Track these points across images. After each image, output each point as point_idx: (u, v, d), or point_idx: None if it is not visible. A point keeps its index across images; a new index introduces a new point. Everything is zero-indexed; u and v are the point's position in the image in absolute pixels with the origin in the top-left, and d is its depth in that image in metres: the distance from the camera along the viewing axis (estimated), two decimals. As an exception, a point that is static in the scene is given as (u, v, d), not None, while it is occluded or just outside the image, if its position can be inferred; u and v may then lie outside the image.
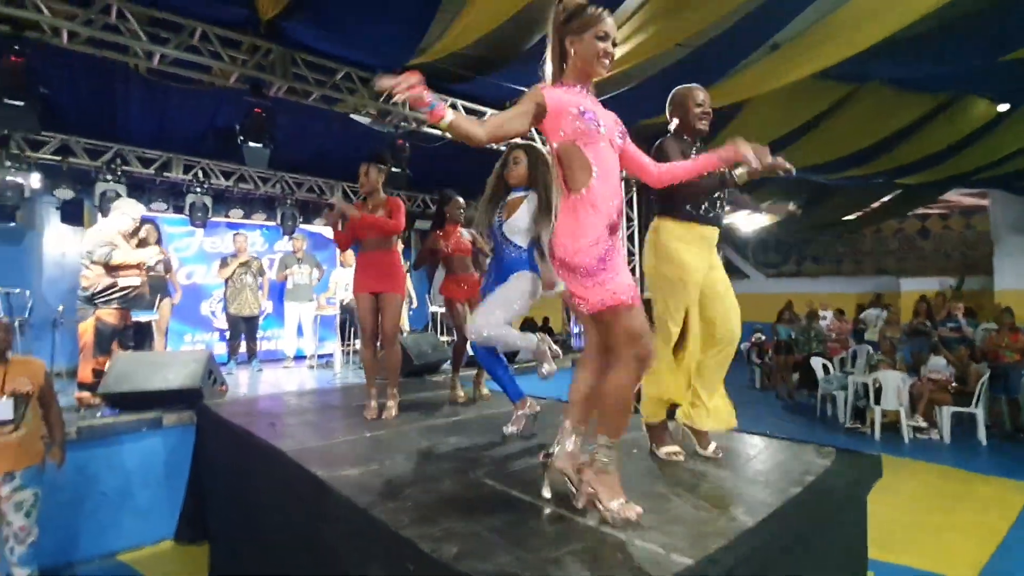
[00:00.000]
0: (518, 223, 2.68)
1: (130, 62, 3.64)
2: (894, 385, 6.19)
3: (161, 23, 3.61)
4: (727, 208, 2.35)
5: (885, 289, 12.48)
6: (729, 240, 15.62)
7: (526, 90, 1.64)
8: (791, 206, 2.52)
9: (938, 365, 6.52)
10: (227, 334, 6.42)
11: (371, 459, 2.38)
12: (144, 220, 5.68)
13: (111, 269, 4.49)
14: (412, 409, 3.34)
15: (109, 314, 4.57)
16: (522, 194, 2.72)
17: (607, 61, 1.65)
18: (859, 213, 12.23)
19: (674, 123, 2.32)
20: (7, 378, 3.05)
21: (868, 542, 2.17)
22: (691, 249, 2.14)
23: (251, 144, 4.27)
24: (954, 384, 6.29)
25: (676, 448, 2.24)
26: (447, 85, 4.94)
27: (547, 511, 1.72)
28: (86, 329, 4.53)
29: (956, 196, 11.22)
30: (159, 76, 3.95)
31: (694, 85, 2.34)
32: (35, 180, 5.55)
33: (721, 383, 2.33)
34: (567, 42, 1.65)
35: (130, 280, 4.57)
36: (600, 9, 1.64)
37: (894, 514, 4.16)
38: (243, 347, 6.24)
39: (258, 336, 6.50)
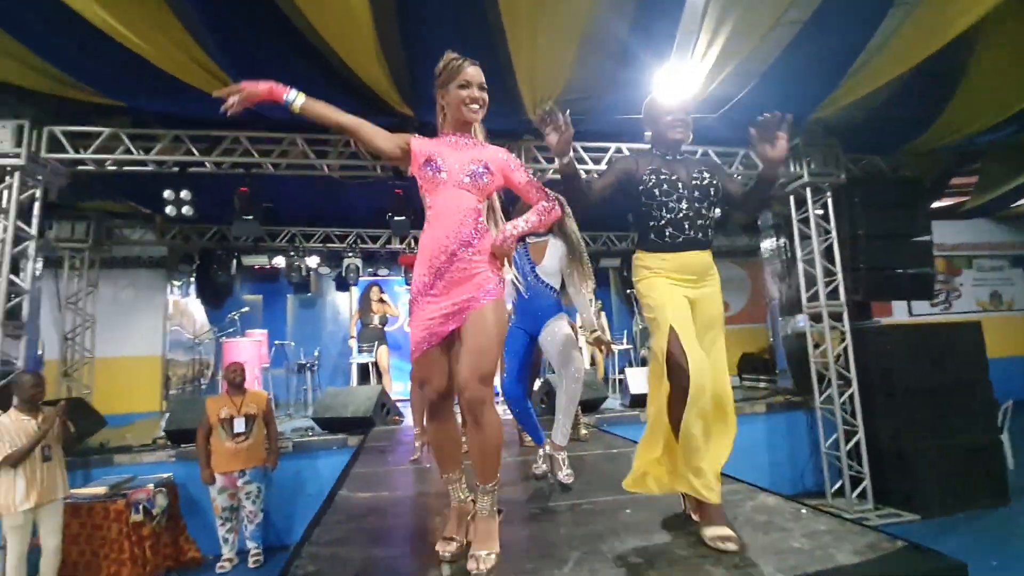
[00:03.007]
0: (550, 266, 2.76)
1: (319, 173, 5.05)
2: None
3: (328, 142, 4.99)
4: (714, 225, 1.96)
5: None
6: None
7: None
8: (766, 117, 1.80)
9: None
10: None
11: (394, 487, 2.70)
12: (373, 283, 7.46)
13: None
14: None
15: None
16: (543, 239, 2.78)
17: (475, 106, 1.74)
18: None
19: (648, 135, 2.15)
20: (243, 404, 4.46)
21: None
22: (669, 278, 1.90)
23: (396, 218, 5.30)
24: None
25: (727, 532, 1.61)
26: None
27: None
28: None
29: None
30: (346, 177, 5.29)
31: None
32: (311, 261, 7.83)
33: (714, 454, 1.76)
34: (439, 96, 1.81)
35: None
36: (461, 60, 1.75)
37: None
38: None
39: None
